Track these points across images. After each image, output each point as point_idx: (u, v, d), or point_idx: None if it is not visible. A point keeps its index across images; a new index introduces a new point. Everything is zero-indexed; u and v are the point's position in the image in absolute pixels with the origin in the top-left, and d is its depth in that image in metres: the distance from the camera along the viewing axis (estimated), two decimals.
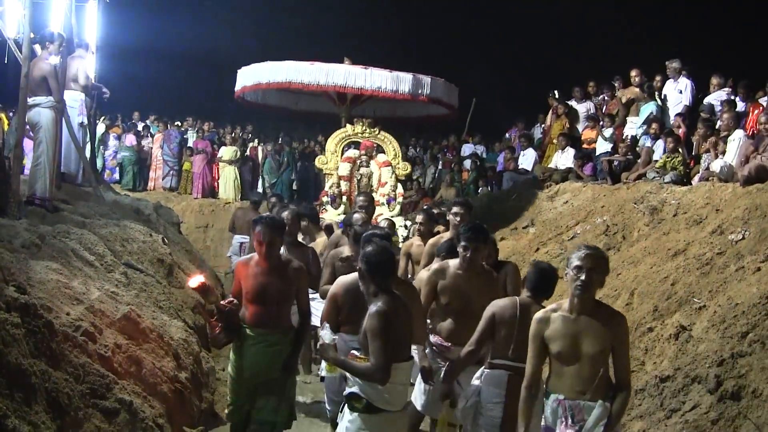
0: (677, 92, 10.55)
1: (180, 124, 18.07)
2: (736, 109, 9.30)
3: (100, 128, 16.05)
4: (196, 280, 4.73)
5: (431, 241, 6.34)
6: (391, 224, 7.16)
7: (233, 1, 21.76)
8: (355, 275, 4.82)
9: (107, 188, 11.28)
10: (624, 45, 18.80)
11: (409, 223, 10.07)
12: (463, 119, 15.25)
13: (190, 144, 16.87)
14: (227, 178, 16.22)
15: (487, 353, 4.43)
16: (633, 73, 11.11)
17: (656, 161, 9.66)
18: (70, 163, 9.09)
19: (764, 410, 4.67)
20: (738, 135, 8.55)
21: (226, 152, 16.29)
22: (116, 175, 16.55)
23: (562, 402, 3.63)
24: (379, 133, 10.67)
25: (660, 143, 9.81)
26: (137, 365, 4.79)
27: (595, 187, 10.43)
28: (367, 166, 10.55)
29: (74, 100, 8.88)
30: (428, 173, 16.90)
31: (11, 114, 10.22)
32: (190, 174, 16.30)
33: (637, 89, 11.03)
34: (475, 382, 4.42)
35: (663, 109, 10.67)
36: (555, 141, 12.23)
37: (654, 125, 10.10)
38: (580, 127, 12.30)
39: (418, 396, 4.89)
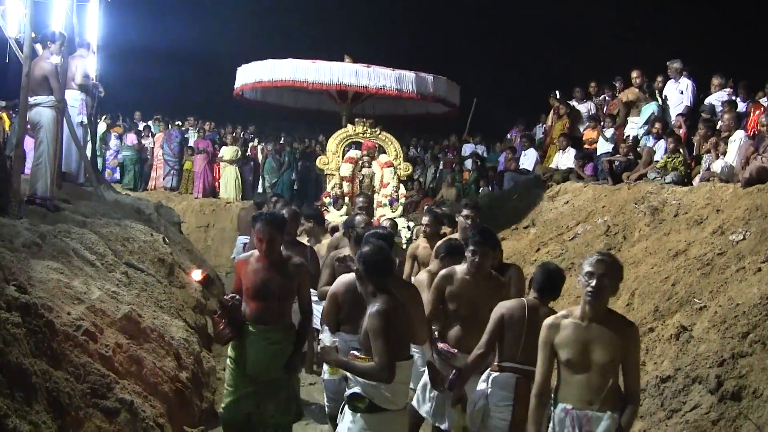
0: (678, 92, 10.55)
1: (181, 123, 18.08)
2: (737, 110, 9.30)
3: (101, 128, 16.06)
4: (197, 273, 4.75)
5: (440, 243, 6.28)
6: (393, 225, 7.12)
7: (234, 0, 21.77)
8: (354, 275, 4.83)
9: (108, 188, 11.28)
10: (625, 45, 18.79)
11: (412, 224, 10.03)
12: (463, 119, 15.24)
13: (191, 144, 16.88)
14: (228, 178, 16.23)
15: (492, 356, 4.39)
16: (634, 73, 11.10)
17: (657, 161, 9.66)
18: (71, 162, 9.10)
19: (765, 410, 4.67)
20: (739, 135, 8.55)
21: (227, 152, 16.30)
22: (117, 175, 16.56)
23: (570, 412, 3.57)
24: (380, 134, 10.65)
25: (662, 143, 9.80)
26: (138, 365, 4.79)
27: (596, 187, 10.42)
28: (369, 167, 10.50)
29: (74, 100, 8.89)
30: (429, 173, 16.90)
31: (12, 113, 10.23)
32: (191, 174, 16.31)
33: (638, 90, 11.03)
34: (482, 385, 4.37)
35: (664, 109, 10.67)
36: (556, 141, 12.24)
37: (657, 125, 10.09)
38: (581, 127, 12.31)
39: (421, 402, 4.83)
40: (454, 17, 23.11)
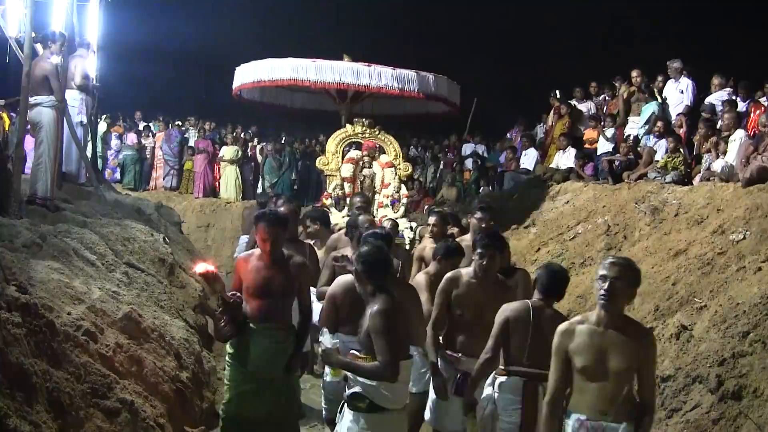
0: (678, 92, 10.56)
1: (181, 123, 18.08)
2: (737, 109, 9.30)
3: (102, 128, 16.07)
4: (202, 266, 4.63)
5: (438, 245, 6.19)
6: (394, 225, 7.07)
7: (235, 0, 21.77)
8: (351, 276, 4.82)
9: (108, 187, 11.28)
10: (625, 45, 18.79)
11: (414, 224, 9.99)
12: (464, 119, 15.23)
13: (191, 143, 16.88)
14: (228, 178, 16.23)
15: (498, 360, 4.32)
16: (634, 73, 11.10)
17: (657, 161, 9.66)
18: (71, 162, 9.10)
19: (765, 410, 4.68)
20: (739, 135, 8.55)
21: (228, 152, 16.30)
22: (117, 175, 16.57)
23: (584, 423, 3.46)
24: (379, 134, 10.63)
25: (663, 143, 9.80)
26: (138, 365, 4.79)
27: (596, 187, 10.43)
28: (370, 167, 10.45)
29: (74, 99, 8.89)
30: (428, 173, 16.89)
31: (12, 113, 10.23)
32: (192, 173, 16.31)
33: (636, 88, 11.05)
34: (488, 389, 4.30)
35: (664, 109, 10.67)
36: (556, 141, 12.24)
37: (659, 123, 10.08)
38: (582, 127, 12.31)
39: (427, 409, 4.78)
40: (453, 17, 23.09)
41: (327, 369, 4.60)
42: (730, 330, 5.39)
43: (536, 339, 4.10)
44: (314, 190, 15.87)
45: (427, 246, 6.57)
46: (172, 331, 5.76)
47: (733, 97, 9.76)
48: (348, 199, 10.12)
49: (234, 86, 11.58)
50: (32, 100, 7.23)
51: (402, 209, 10.30)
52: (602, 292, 3.44)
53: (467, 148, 16.47)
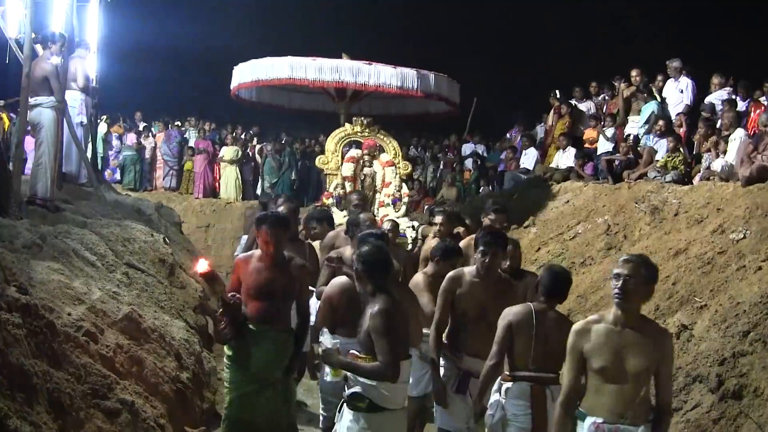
0: (678, 92, 10.56)
1: (180, 124, 18.09)
2: (737, 109, 9.31)
3: (103, 128, 16.08)
4: (203, 264, 4.56)
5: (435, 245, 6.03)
6: (395, 226, 7.01)
7: (234, 1, 21.76)
8: (347, 277, 4.81)
9: (108, 188, 11.28)
10: (625, 45, 18.78)
11: (416, 223, 9.94)
12: (464, 119, 15.23)
13: (191, 144, 16.89)
14: (228, 178, 16.23)
15: (503, 365, 4.28)
16: (633, 72, 11.11)
17: (657, 161, 9.66)
18: (71, 163, 9.10)
19: (766, 409, 4.68)
20: (739, 134, 8.56)
21: (227, 152, 16.30)
22: (117, 175, 16.58)
23: (601, 426, 3.39)
24: (378, 132, 10.61)
25: (663, 142, 9.80)
26: (139, 365, 4.79)
27: (596, 186, 10.43)
28: (371, 166, 10.40)
29: (74, 100, 8.89)
30: (428, 173, 16.89)
31: (11, 114, 10.24)
32: (192, 174, 16.32)
33: (635, 87, 11.06)
34: (495, 396, 4.26)
35: (663, 108, 10.67)
36: (556, 141, 12.24)
37: (660, 122, 10.08)
38: (582, 126, 12.31)
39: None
40: (453, 17, 23.08)
41: (327, 369, 4.59)
42: (731, 329, 5.39)
43: (540, 342, 4.08)
44: (314, 190, 15.87)
45: (433, 246, 6.50)
46: (173, 331, 5.75)
47: (733, 97, 9.76)
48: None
49: (232, 86, 11.55)
50: (32, 100, 7.23)
51: (403, 208, 10.25)
52: (616, 290, 3.40)
53: (467, 148, 16.47)
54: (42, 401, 3.56)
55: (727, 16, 18.76)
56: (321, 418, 5.18)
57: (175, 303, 6.66)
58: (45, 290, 4.55)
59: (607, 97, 12.45)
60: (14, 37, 7.49)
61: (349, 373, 3.89)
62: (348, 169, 10.23)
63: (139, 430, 4.26)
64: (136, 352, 4.86)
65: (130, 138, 16.98)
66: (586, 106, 12.60)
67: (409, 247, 9.14)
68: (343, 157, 10.47)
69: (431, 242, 6.59)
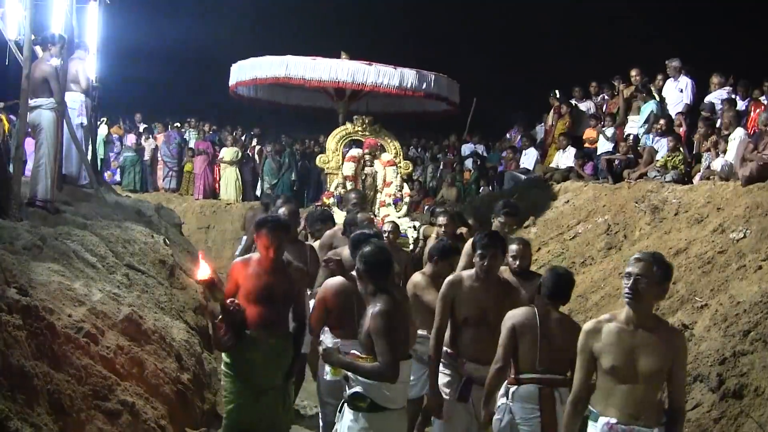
0: (678, 91, 10.56)
1: (180, 125, 18.10)
2: (737, 108, 9.31)
3: (103, 130, 16.08)
4: (204, 272, 4.38)
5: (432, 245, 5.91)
6: (395, 227, 6.98)
7: (235, 2, 21.78)
8: (341, 278, 4.79)
9: (108, 189, 11.29)
10: (625, 45, 18.79)
11: (417, 224, 9.92)
12: (463, 119, 15.23)
13: (191, 145, 16.90)
14: (228, 179, 16.23)
15: (509, 369, 4.24)
16: (633, 72, 11.11)
17: (657, 160, 9.67)
18: (71, 164, 9.10)
19: (767, 408, 4.67)
20: (739, 133, 8.56)
21: (227, 153, 16.30)
22: (117, 177, 16.58)
23: (614, 426, 3.32)
24: (380, 131, 10.59)
25: (663, 142, 9.80)
26: (139, 367, 4.79)
27: (596, 186, 10.43)
28: (372, 166, 10.37)
29: (74, 101, 8.88)
30: (428, 173, 16.89)
31: (11, 116, 10.23)
32: (192, 175, 16.32)
33: (634, 87, 11.06)
34: (502, 400, 4.22)
35: (662, 108, 10.67)
36: (556, 141, 12.24)
37: (661, 121, 10.08)
38: (582, 126, 12.31)
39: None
40: (453, 17, 23.09)
41: (327, 368, 4.58)
42: (731, 329, 5.39)
43: (546, 344, 4.06)
44: (314, 190, 15.87)
45: (431, 245, 6.47)
46: (173, 332, 5.75)
47: (733, 96, 9.76)
48: None
49: (230, 83, 11.52)
50: (32, 102, 7.23)
51: (404, 208, 10.21)
52: (626, 290, 3.34)
53: (467, 149, 16.47)
54: (43, 403, 3.56)
55: (727, 16, 18.79)
56: (320, 424, 5.17)
57: (176, 304, 6.66)
58: (45, 292, 4.55)
59: (606, 97, 12.45)
60: (14, 38, 7.48)
61: (350, 373, 3.89)
62: (349, 168, 10.18)
63: (139, 431, 4.26)
64: (136, 353, 4.86)
65: (130, 139, 16.99)
66: (585, 106, 12.60)
67: (410, 247, 9.13)
68: (343, 157, 10.46)
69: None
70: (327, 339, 4.99)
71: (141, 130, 17.64)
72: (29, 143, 8.80)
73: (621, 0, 20.12)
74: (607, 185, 10.22)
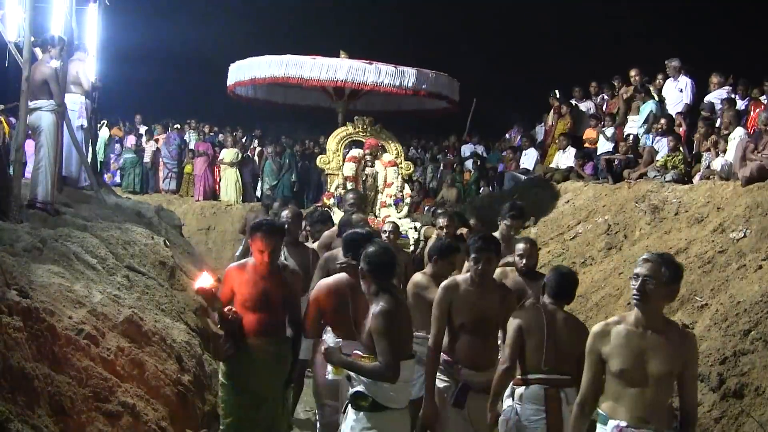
0: (677, 91, 10.57)
1: (180, 126, 18.11)
2: (737, 108, 9.31)
3: (105, 132, 16.09)
4: (205, 281, 4.34)
5: (431, 245, 5.86)
6: (395, 228, 6.95)
7: (234, 3, 21.79)
8: (335, 277, 4.77)
9: (109, 191, 11.29)
10: (624, 45, 18.80)
11: (418, 224, 9.90)
12: (463, 119, 15.23)
13: (191, 146, 16.90)
14: (228, 181, 16.22)
15: (515, 369, 4.20)
16: (632, 72, 11.12)
17: (657, 160, 9.67)
18: (72, 166, 9.11)
19: (767, 408, 4.67)
20: (738, 133, 8.56)
21: (227, 154, 16.30)
22: (117, 178, 16.58)
23: (624, 430, 3.27)
24: (381, 132, 10.57)
25: (664, 141, 9.81)
26: (140, 368, 4.78)
27: (596, 186, 10.43)
28: (372, 166, 10.34)
29: (74, 103, 8.89)
30: (427, 173, 16.90)
31: (11, 118, 10.24)
32: (192, 176, 16.32)
33: (633, 88, 11.07)
34: (508, 401, 4.19)
35: (662, 108, 10.68)
36: (556, 141, 12.25)
37: (662, 121, 10.08)
38: (582, 126, 12.31)
39: None
40: (453, 17, 23.10)
41: (329, 367, 4.58)
42: (731, 328, 5.39)
43: (552, 344, 4.05)
44: (314, 191, 15.87)
45: (431, 245, 6.45)
46: (174, 334, 5.75)
47: (733, 96, 9.77)
48: None
49: (229, 83, 11.50)
50: (32, 104, 7.23)
51: (405, 209, 10.19)
52: (634, 291, 3.28)
53: (467, 149, 16.48)
54: (43, 404, 3.56)
55: (727, 16, 18.79)
56: (317, 425, 5.14)
57: (176, 306, 6.65)
58: (46, 293, 4.55)
59: (606, 97, 12.46)
60: (13, 40, 7.49)
61: (352, 373, 3.89)
62: (349, 169, 10.15)
63: None
64: (137, 355, 4.85)
65: (130, 141, 16.99)
66: (585, 106, 12.61)
67: (411, 248, 9.12)
68: (344, 157, 10.44)
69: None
70: (329, 338, 4.98)
71: (141, 131, 17.63)
72: (29, 145, 8.80)
73: (621, 0, 20.13)
74: (607, 185, 10.22)
